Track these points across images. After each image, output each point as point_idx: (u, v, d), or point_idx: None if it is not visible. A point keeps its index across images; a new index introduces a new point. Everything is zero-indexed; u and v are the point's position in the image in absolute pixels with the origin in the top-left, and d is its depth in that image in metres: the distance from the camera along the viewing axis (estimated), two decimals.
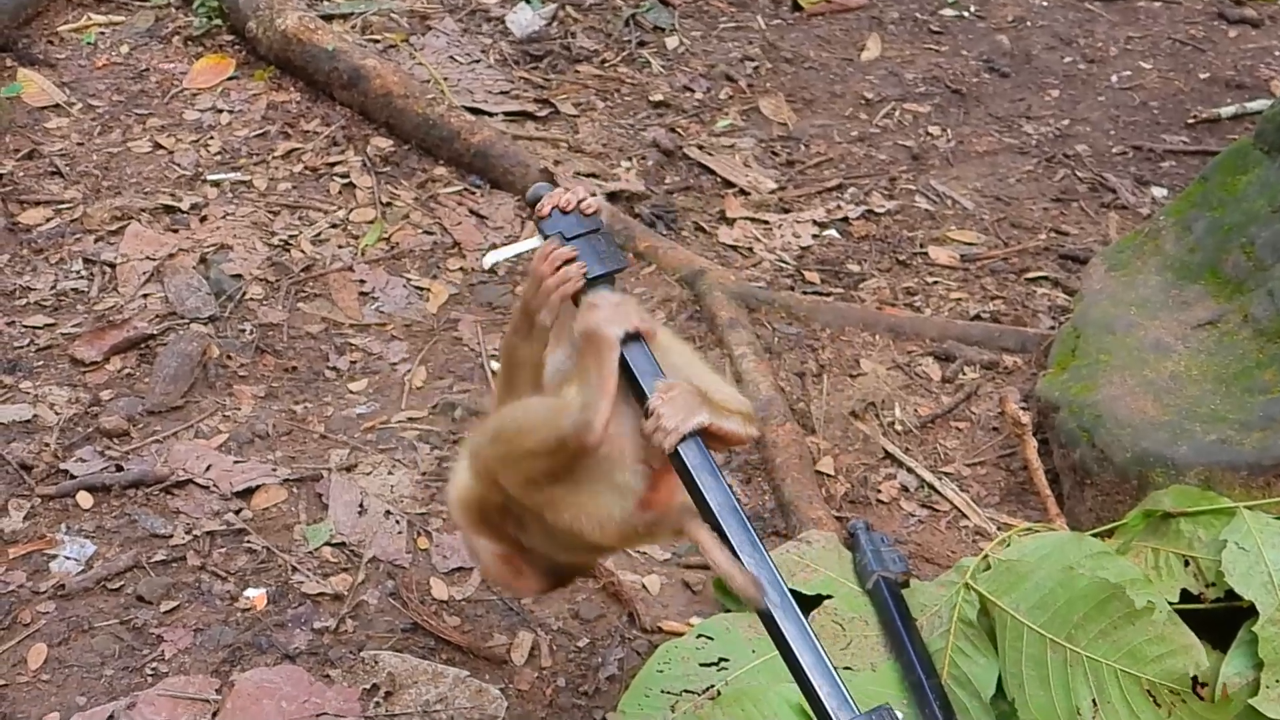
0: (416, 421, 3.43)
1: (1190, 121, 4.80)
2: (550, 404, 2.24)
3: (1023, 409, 3.25)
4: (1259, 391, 3.05)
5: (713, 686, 2.81)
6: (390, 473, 3.28)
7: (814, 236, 4.17)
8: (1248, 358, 3.13)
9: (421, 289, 3.85)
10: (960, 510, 3.27)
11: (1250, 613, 2.75)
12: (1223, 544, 2.81)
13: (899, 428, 3.49)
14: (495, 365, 3.61)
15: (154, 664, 2.80)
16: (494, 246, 3.77)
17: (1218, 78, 5.04)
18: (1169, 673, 2.55)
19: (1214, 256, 3.36)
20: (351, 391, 3.51)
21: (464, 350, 3.64)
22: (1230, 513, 2.86)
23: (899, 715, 2.06)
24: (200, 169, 4.21)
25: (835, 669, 2.10)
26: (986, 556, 2.87)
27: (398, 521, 3.14)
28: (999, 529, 3.21)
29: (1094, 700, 2.60)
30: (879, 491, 3.31)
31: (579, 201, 2.36)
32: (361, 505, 3.19)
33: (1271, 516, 2.85)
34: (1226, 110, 4.79)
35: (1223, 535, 2.82)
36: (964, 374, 3.64)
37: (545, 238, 2.31)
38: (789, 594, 2.12)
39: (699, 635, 2.93)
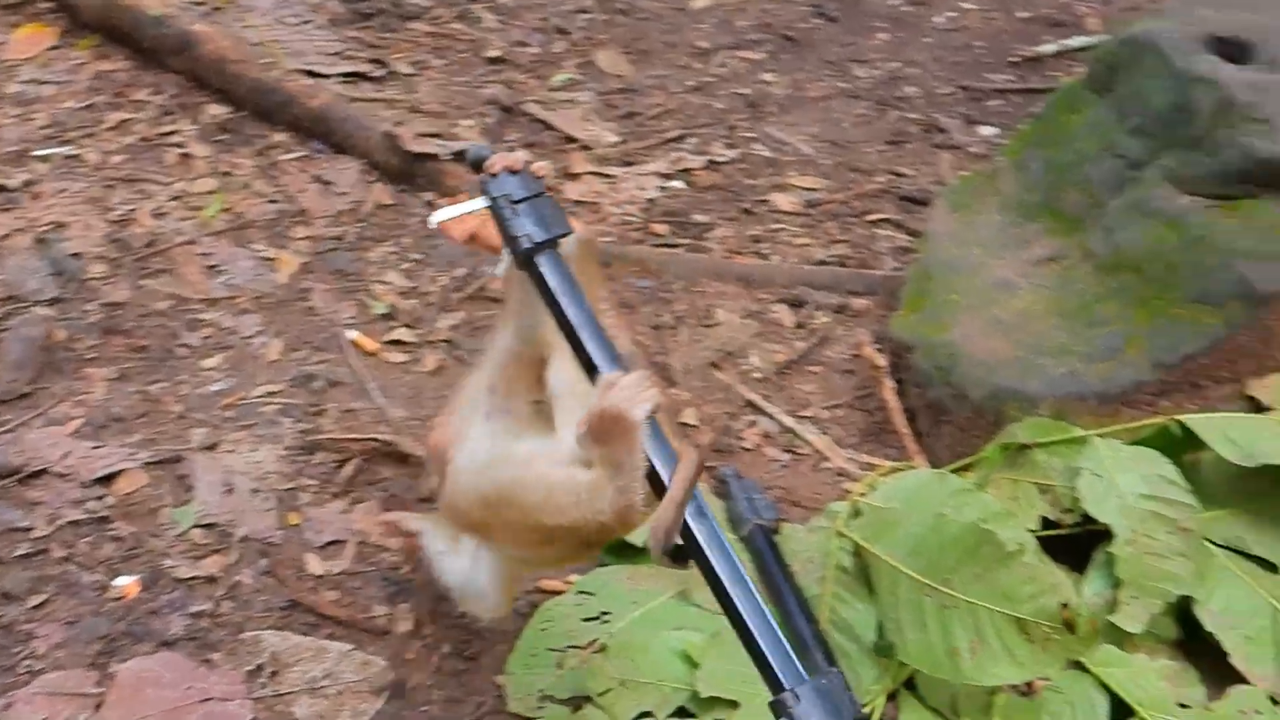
0: (276, 395, 3.39)
1: (1013, 60, 4.93)
2: (577, 485, 2.22)
3: (878, 350, 3.33)
4: (1101, 324, 3.17)
5: (596, 640, 2.84)
6: (254, 449, 3.25)
7: (659, 189, 4.20)
8: (1088, 292, 3.25)
9: (269, 260, 3.80)
10: (822, 453, 3.34)
11: (1105, 535, 2.88)
12: (1077, 472, 2.93)
13: (757, 375, 3.55)
14: (352, 334, 3.58)
15: (27, 662, 2.74)
16: (436, 207, 3.70)
17: (1038, 16, 5.18)
18: (1041, 611, 2.65)
19: (1052, 195, 3.47)
20: (205, 368, 3.46)
21: (318, 320, 3.60)
22: (1083, 441, 2.99)
23: (846, 679, 2.10)
24: (27, 144, 4.08)
25: (781, 632, 2.13)
26: (855, 502, 2.94)
27: (266, 498, 3.11)
28: (861, 469, 3.28)
29: (971, 641, 2.68)
30: (742, 439, 3.37)
31: (528, 163, 2.35)
32: (228, 484, 3.15)
33: (1122, 443, 2.98)
34: (1047, 48, 4.94)
35: (1077, 463, 2.94)
36: (815, 318, 3.71)
37: (492, 199, 2.29)
38: (730, 552, 2.15)
39: (578, 592, 2.97)
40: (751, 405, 3.47)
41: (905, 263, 3.88)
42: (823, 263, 3.91)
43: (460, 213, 2.35)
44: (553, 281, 2.37)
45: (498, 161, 2.36)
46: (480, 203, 2.32)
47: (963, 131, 4.55)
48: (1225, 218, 3.13)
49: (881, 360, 3.30)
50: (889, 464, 3.30)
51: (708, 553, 2.16)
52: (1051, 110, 3.65)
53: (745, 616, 2.13)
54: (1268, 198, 3.13)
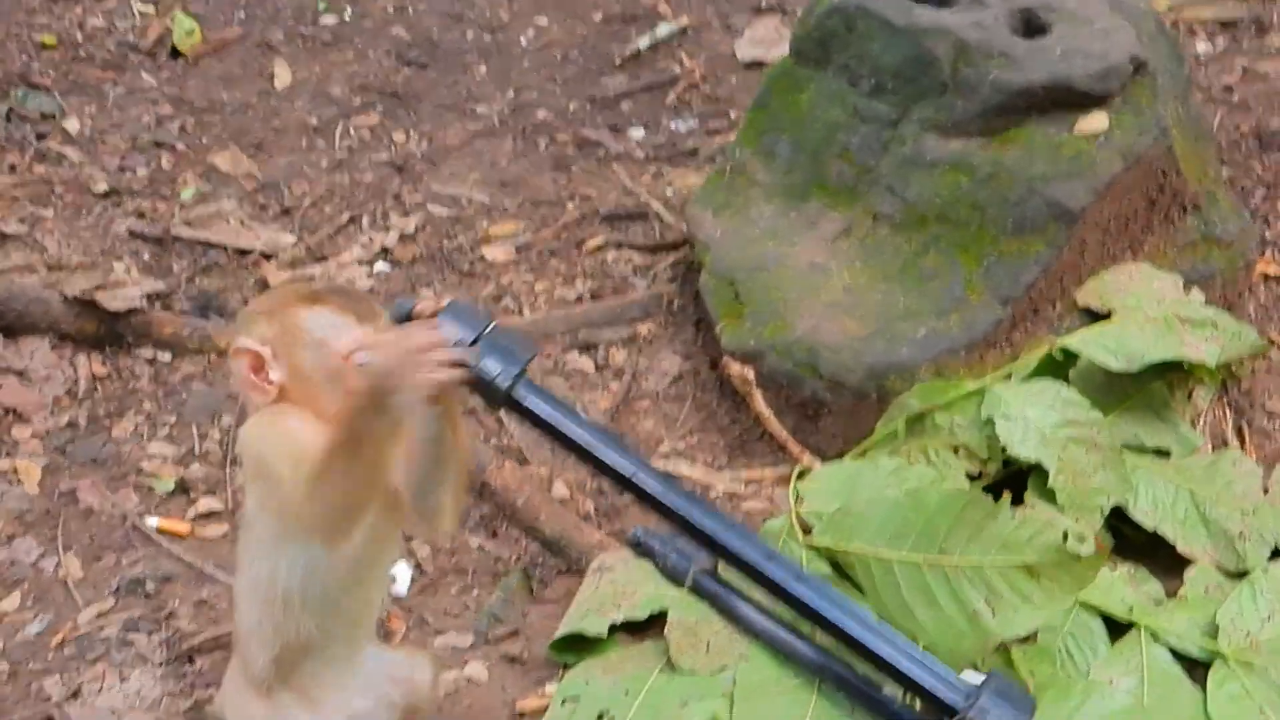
0: (109, 614, 2.96)
1: (618, 62, 4.95)
2: None
3: (740, 363, 3.27)
4: (931, 278, 3.27)
5: None
6: (124, 680, 2.82)
7: (369, 276, 3.93)
8: (901, 252, 3.34)
9: (4, 473, 3.26)
10: (701, 482, 3.27)
11: (1025, 475, 2.97)
12: (985, 422, 3.01)
13: None
14: (153, 522, 3.16)
15: None
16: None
17: (612, 15, 5.23)
18: (1045, 549, 2.71)
19: (814, 172, 3.52)
20: (8, 612, 2.94)
21: (103, 520, 3.18)
22: (980, 391, 3.07)
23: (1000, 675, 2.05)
24: None
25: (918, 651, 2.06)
26: (797, 513, 2.91)
27: None
28: (747, 486, 3.24)
29: (986, 599, 2.71)
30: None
31: (449, 302, 2.13)
32: None
33: (1018, 380, 3.08)
34: (642, 43, 5.00)
35: (984, 414, 3.02)
36: (613, 357, 3.61)
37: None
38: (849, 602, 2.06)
39: (563, 702, 2.79)
40: None
41: (655, 278, 3.82)
42: (579, 300, 3.79)
43: None
44: (544, 410, 2.22)
45: (426, 308, 2.14)
46: None
47: (616, 140, 4.54)
48: (1005, 150, 3.30)
49: (749, 373, 3.24)
50: (772, 472, 3.27)
51: (824, 610, 2.07)
52: (770, 95, 3.70)
53: (888, 656, 2.06)
54: (1030, 124, 3.31)
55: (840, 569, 2.87)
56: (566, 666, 2.87)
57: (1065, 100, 3.24)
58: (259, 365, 2.08)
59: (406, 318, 2.10)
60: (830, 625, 2.23)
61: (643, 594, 2.92)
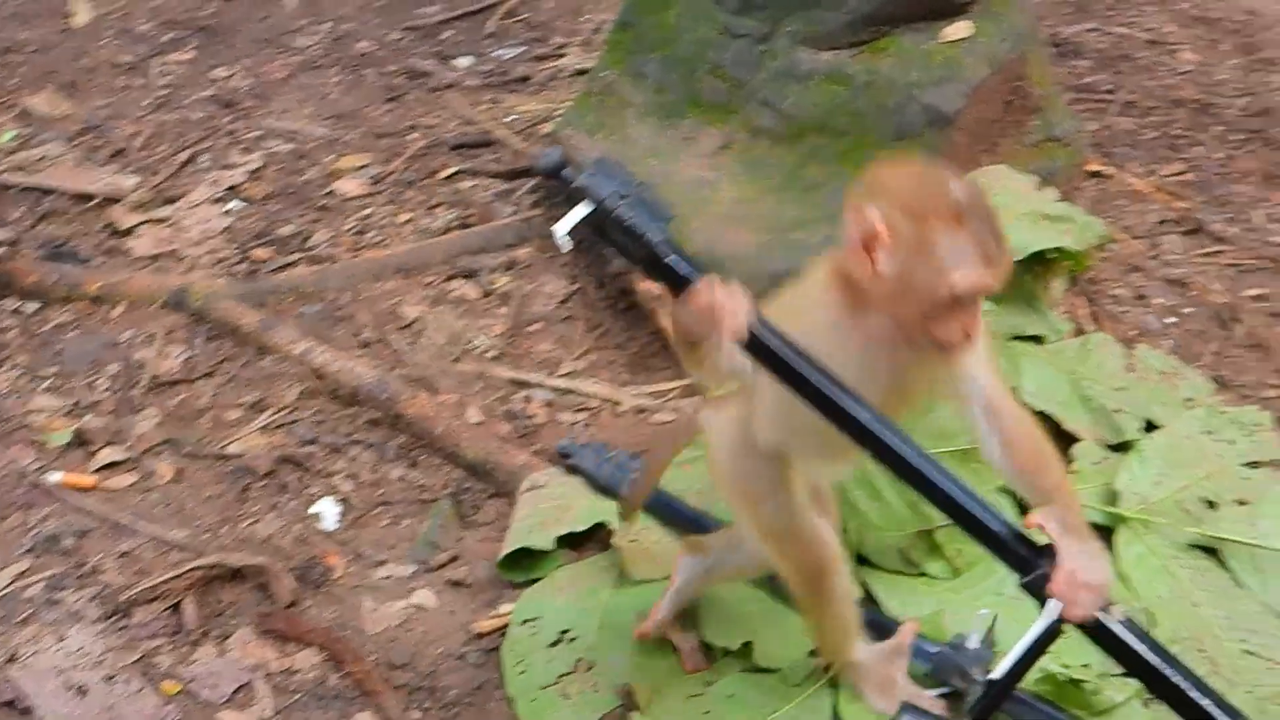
0: (29, 574, 2.89)
1: None
2: None
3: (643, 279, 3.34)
4: (815, 187, 3.40)
5: (580, 660, 2.75)
6: (61, 639, 2.76)
7: (224, 215, 3.85)
8: (783, 163, 3.46)
9: None
10: (611, 399, 3.34)
11: None
12: None
13: (493, 354, 3.45)
14: (55, 477, 3.06)
15: None
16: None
17: None
18: None
19: (687, 89, 3.60)
20: None
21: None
22: None
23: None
24: None
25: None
26: None
27: (127, 680, 2.69)
28: (655, 399, 3.33)
29: None
30: (532, 417, 3.29)
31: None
32: (70, 685, 2.68)
33: None
34: None
35: None
36: (497, 282, 3.64)
37: (599, 200, 2.06)
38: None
39: (522, 622, 2.84)
40: (515, 383, 3.37)
41: (518, 204, 3.86)
42: (448, 229, 3.80)
43: (578, 220, 2.12)
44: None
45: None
46: (585, 208, 2.12)
47: (445, 68, 4.53)
48: (878, 60, 3.44)
49: (656, 289, 3.32)
50: (680, 383, 3.37)
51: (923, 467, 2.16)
52: (633, 15, 3.75)
53: (974, 512, 2.16)
54: (898, 33, 3.47)
55: None
56: (515, 585, 2.90)
57: (930, 9, 3.40)
58: (872, 244, 2.02)
59: (557, 169, 2.08)
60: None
61: (581, 507, 2.97)
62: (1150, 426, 3.21)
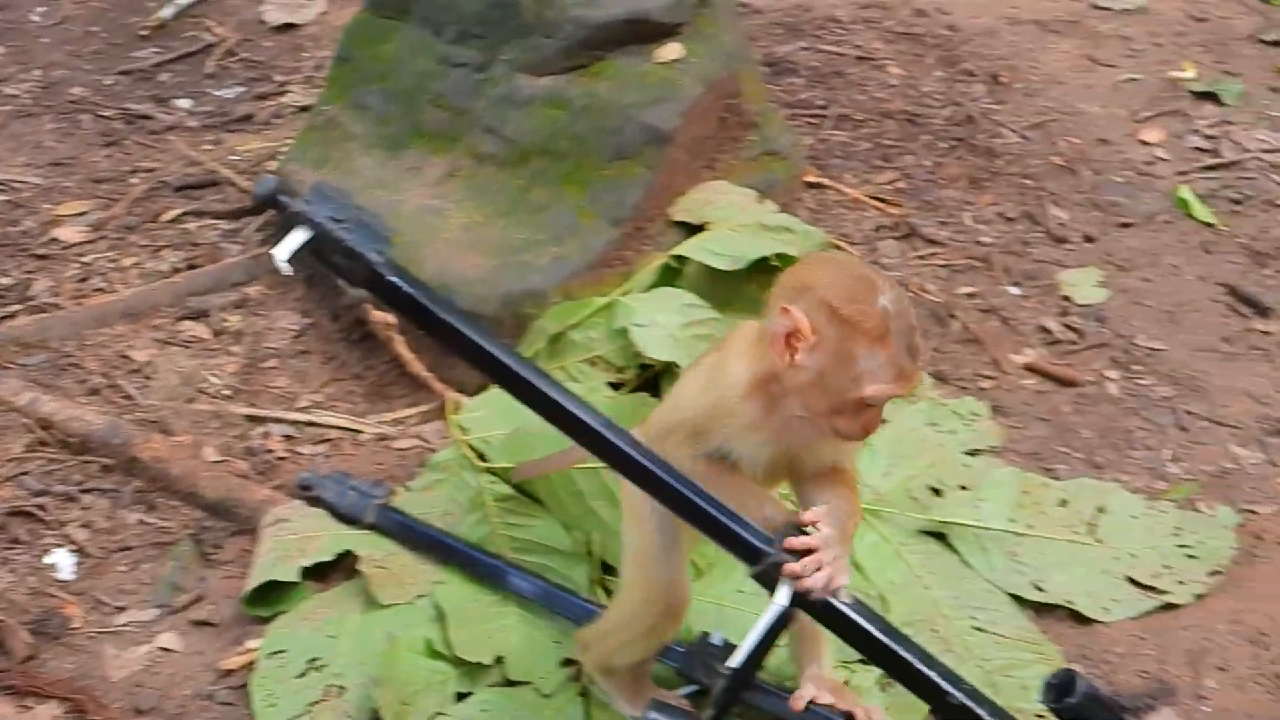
0: None
1: (143, 34, 4.85)
2: None
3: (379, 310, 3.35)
4: (542, 209, 3.47)
5: (331, 687, 2.76)
6: None
7: None
8: (509, 187, 3.51)
9: None
10: (351, 428, 3.34)
11: (666, 369, 3.25)
12: (618, 333, 3.26)
13: (228, 392, 3.42)
14: None
15: None
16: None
17: None
18: None
19: (410, 120, 3.64)
20: None
21: None
22: (610, 306, 3.31)
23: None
24: None
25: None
26: (463, 442, 3.07)
27: None
28: (394, 426, 3.35)
29: None
30: (272, 452, 3.27)
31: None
32: None
33: (640, 291, 3.35)
34: (166, 12, 4.91)
35: (616, 325, 3.27)
36: (228, 321, 3.61)
37: (316, 224, 2.06)
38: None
39: (270, 655, 2.84)
40: (252, 419, 3.35)
41: (246, 242, 3.84)
42: (176, 271, 3.75)
43: (296, 245, 2.12)
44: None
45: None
46: (303, 233, 2.12)
47: (164, 112, 4.46)
48: (595, 83, 3.53)
49: (391, 318, 3.33)
50: (415, 410, 3.39)
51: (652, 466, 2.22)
52: (352, 49, 3.77)
53: (706, 506, 2.23)
54: (613, 56, 3.56)
55: (520, 488, 3.02)
56: (262, 621, 2.87)
57: (642, 32, 3.50)
58: (795, 339, 2.05)
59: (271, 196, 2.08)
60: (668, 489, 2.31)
61: (325, 537, 2.98)
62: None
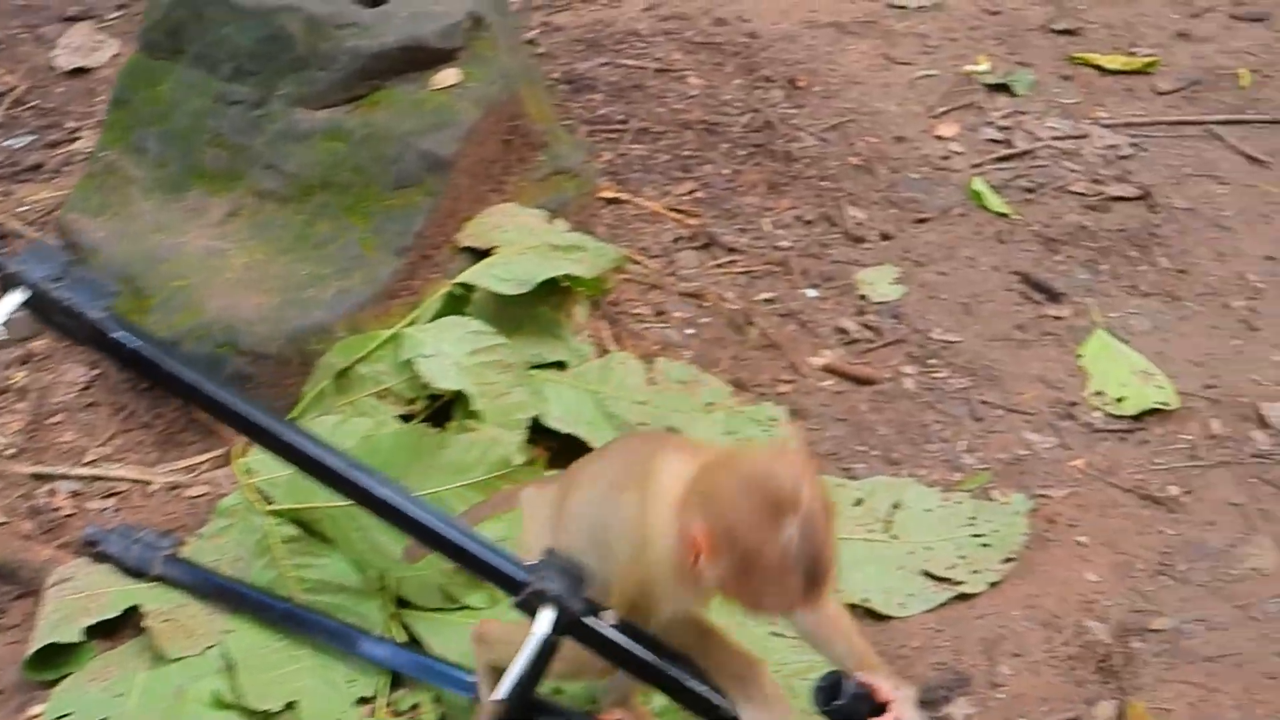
0: None
1: None
2: None
3: None
4: (327, 243, 3.45)
5: None
6: None
7: None
8: (292, 223, 3.48)
9: None
10: (141, 480, 3.30)
11: (451, 403, 3.25)
12: (404, 364, 3.26)
13: (12, 450, 3.35)
14: None
15: None
16: None
17: None
18: (493, 464, 3.01)
19: (189, 161, 3.59)
20: None
21: None
22: (395, 338, 3.31)
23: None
24: None
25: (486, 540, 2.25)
26: (248, 485, 3.04)
27: None
28: (187, 474, 3.31)
29: None
30: (59, 509, 3.22)
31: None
32: None
33: (426, 321, 3.34)
34: None
35: (403, 357, 3.26)
36: (13, 378, 3.55)
37: (32, 285, 2.02)
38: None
39: (57, 718, 2.79)
40: (38, 477, 3.29)
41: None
42: None
43: (12, 308, 2.08)
44: None
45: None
46: (14, 298, 2.09)
47: None
48: (372, 112, 3.52)
49: None
50: (207, 456, 3.36)
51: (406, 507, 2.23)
52: (128, 92, 3.72)
53: (461, 540, 2.25)
54: (391, 84, 3.56)
55: (307, 527, 3.00)
56: (46, 685, 2.82)
57: (418, 60, 3.49)
58: (696, 553, 2.01)
59: None
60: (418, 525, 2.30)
61: (111, 594, 2.93)
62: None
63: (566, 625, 2.18)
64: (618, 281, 3.89)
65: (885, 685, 2.24)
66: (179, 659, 2.84)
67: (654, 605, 2.22)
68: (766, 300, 3.95)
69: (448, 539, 2.21)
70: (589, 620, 2.21)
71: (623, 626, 2.24)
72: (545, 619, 2.18)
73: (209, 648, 2.86)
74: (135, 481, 3.26)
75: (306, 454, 2.17)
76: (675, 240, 4.11)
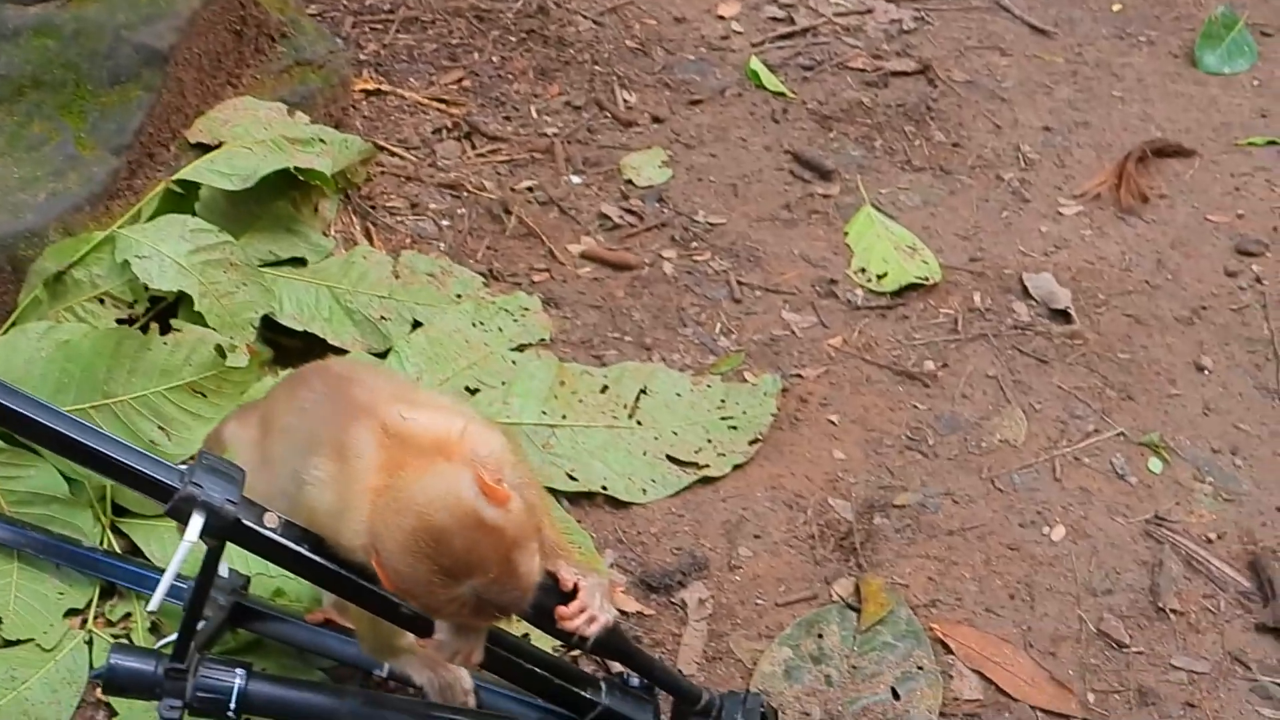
0: None
1: None
2: None
3: None
4: (41, 144, 3.28)
5: None
6: None
7: None
8: (5, 125, 3.31)
9: None
10: None
11: (177, 304, 3.15)
12: (122, 266, 3.13)
13: None
14: None
15: None
16: None
17: None
18: (203, 365, 2.90)
19: None
20: None
21: None
22: (109, 240, 3.18)
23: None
24: None
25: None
26: None
27: None
28: None
29: (160, 427, 2.87)
30: None
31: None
32: None
33: (142, 224, 3.21)
34: None
35: (119, 258, 3.13)
36: None
37: None
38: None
39: None
40: None
41: None
42: None
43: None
44: None
45: None
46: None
47: None
48: (85, 6, 3.36)
49: None
50: None
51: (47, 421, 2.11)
52: None
53: (107, 451, 2.13)
54: None
55: (10, 438, 2.88)
56: None
57: None
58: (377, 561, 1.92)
59: None
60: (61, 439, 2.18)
61: None
62: (418, 326, 3.27)
63: (220, 529, 2.09)
64: (373, 174, 3.77)
65: (568, 573, 2.17)
66: None
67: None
68: (528, 189, 3.87)
69: (92, 450, 2.09)
70: (248, 523, 2.11)
71: (285, 528, 2.14)
72: (195, 525, 2.08)
73: None
74: None
75: None
76: (435, 131, 3.99)
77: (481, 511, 1.87)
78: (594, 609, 2.17)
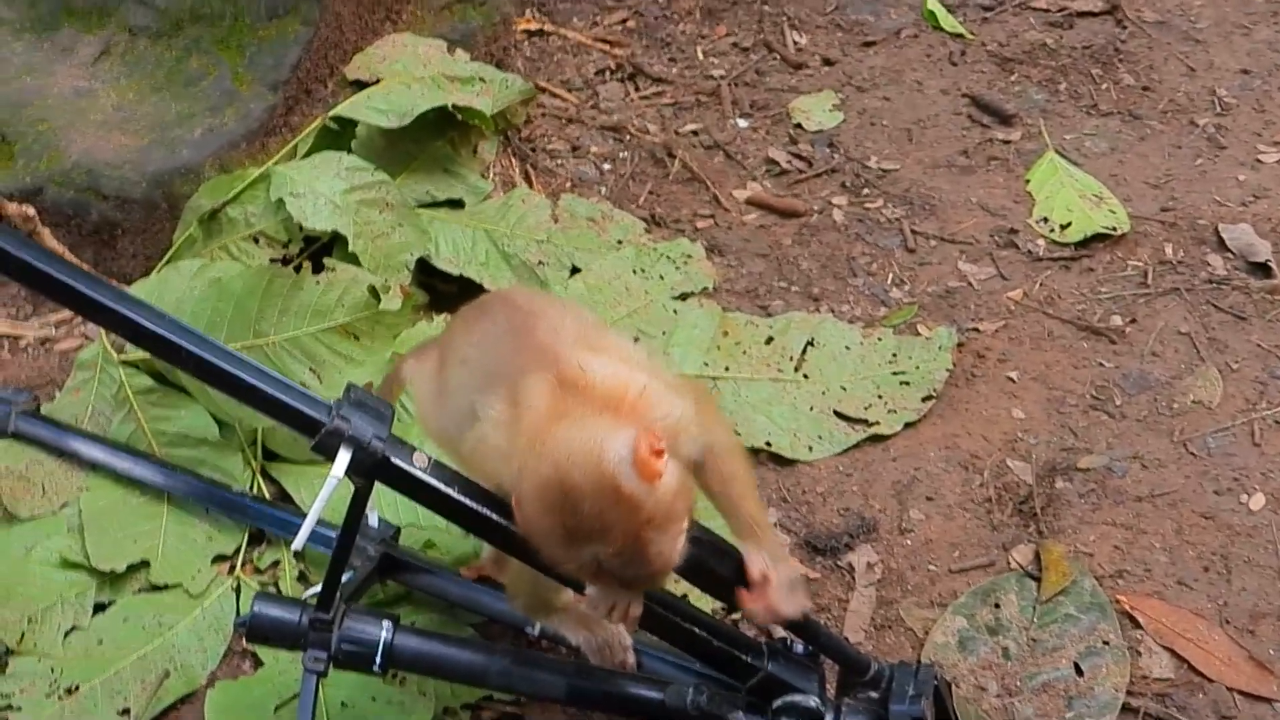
0: None
1: None
2: None
3: (17, 203, 3.11)
4: (198, 79, 3.23)
5: None
6: None
7: None
8: (165, 60, 3.28)
9: None
10: (10, 334, 3.14)
11: (332, 244, 3.05)
12: (277, 204, 3.05)
13: None
14: None
15: None
16: None
17: None
18: (355, 306, 2.80)
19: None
20: None
21: None
22: (265, 177, 3.09)
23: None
24: None
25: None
26: (102, 341, 2.86)
27: None
28: (57, 329, 3.14)
29: (311, 368, 2.78)
30: None
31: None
32: None
33: (299, 160, 3.12)
34: None
35: (274, 196, 3.05)
36: None
37: None
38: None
39: None
40: None
41: None
42: None
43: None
44: None
45: None
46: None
47: None
48: None
49: (30, 210, 3.09)
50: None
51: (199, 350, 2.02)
52: None
53: (255, 382, 2.04)
54: None
55: (163, 378, 2.82)
56: None
57: None
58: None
59: None
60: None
61: None
62: (576, 273, 3.16)
63: (369, 467, 1.98)
64: (534, 116, 3.65)
65: (758, 562, 2.01)
66: (31, 519, 2.66)
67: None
68: (692, 132, 3.71)
69: (240, 380, 1.99)
70: (397, 461, 2.00)
71: (435, 469, 2.03)
72: (342, 460, 1.98)
73: (64, 506, 2.69)
74: (5, 336, 3.08)
75: (118, 313, 1.95)
76: (598, 72, 3.86)
77: (620, 480, 1.70)
78: (778, 604, 2.01)
